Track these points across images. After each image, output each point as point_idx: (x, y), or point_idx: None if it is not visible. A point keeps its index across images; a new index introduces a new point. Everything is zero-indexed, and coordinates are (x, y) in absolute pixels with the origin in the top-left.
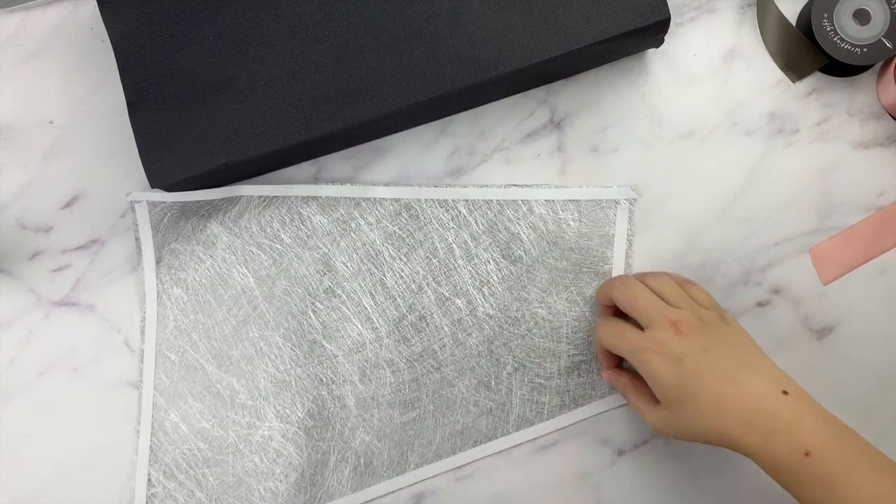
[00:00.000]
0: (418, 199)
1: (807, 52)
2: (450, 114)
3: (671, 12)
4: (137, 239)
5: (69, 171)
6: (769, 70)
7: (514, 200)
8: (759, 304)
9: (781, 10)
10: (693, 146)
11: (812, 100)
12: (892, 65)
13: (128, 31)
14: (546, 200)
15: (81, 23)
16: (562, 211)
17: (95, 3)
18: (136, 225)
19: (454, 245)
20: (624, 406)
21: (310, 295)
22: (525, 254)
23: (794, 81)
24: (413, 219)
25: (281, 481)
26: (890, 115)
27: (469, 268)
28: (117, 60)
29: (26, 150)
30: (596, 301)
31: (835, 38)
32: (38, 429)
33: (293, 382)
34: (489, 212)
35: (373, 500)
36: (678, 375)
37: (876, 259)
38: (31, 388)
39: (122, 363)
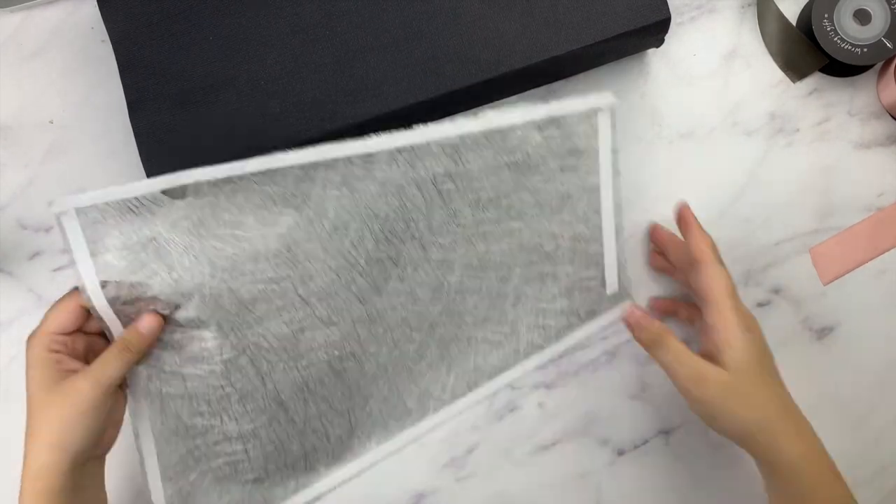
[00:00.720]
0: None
1: (807, 52)
2: (450, 114)
3: (671, 12)
4: (74, 262)
5: (69, 171)
6: (769, 70)
7: (491, 131)
8: (760, 304)
9: (781, 10)
10: (693, 146)
11: (812, 100)
12: (893, 65)
13: (128, 31)
14: (524, 122)
15: (81, 23)
16: (543, 130)
17: (95, 3)
18: (67, 240)
19: (439, 191)
20: (624, 406)
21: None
22: (512, 182)
23: (794, 81)
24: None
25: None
26: (890, 115)
27: (445, 211)
28: (117, 60)
29: (26, 150)
30: (656, 239)
31: (835, 38)
32: None
33: (305, 356)
34: (470, 149)
35: (377, 493)
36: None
37: (876, 259)
38: None
39: None
